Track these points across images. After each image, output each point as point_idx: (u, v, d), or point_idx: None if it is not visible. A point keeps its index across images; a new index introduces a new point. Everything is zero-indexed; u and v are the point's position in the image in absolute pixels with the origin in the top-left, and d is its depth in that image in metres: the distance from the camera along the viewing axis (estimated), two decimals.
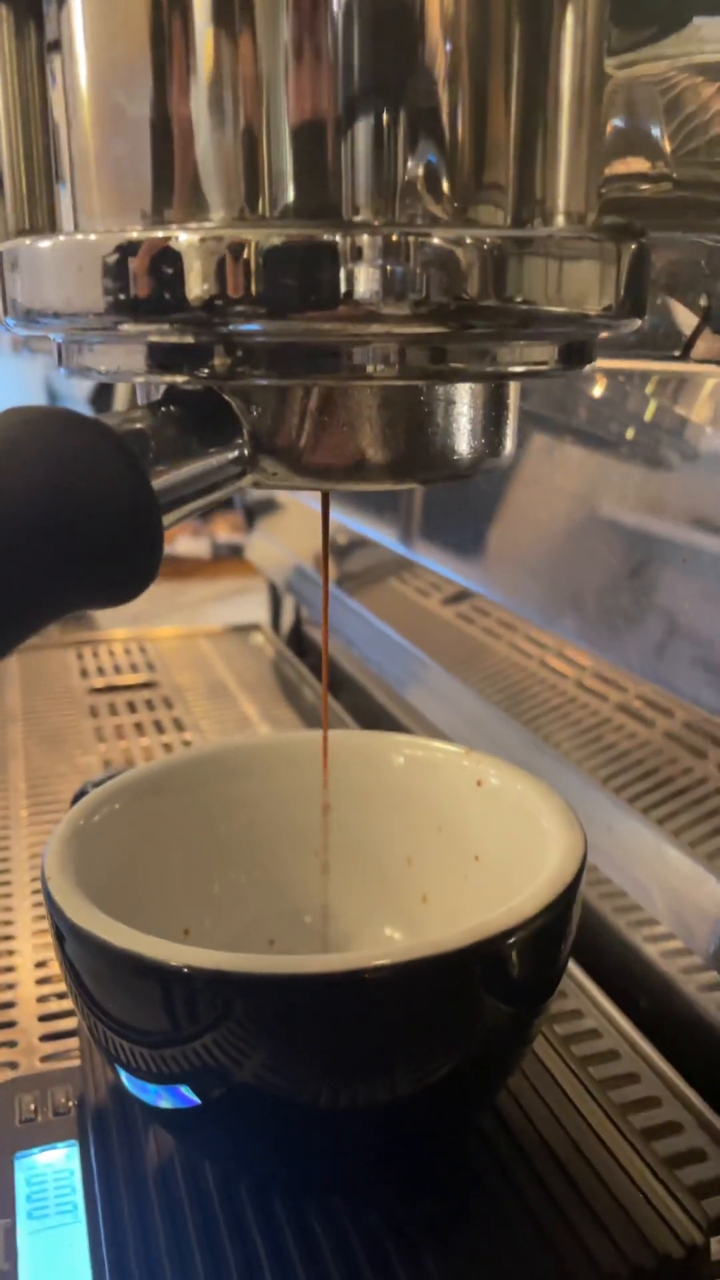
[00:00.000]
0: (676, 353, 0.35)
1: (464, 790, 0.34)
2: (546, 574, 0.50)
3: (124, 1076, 0.28)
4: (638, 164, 0.25)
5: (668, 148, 0.25)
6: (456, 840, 0.34)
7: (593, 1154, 0.30)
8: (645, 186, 0.25)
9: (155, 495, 0.20)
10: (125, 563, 0.20)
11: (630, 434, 0.42)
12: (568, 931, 0.27)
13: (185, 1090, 0.27)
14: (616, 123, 0.24)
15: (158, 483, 0.21)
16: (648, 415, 0.40)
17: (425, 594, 0.70)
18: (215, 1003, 0.24)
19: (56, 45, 0.24)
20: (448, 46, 0.21)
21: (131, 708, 0.72)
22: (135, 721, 0.70)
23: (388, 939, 0.35)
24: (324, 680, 0.33)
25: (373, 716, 0.74)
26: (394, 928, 0.35)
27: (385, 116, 0.21)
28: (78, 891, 0.27)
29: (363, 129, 0.21)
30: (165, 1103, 0.28)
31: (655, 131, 0.24)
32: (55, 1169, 0.32)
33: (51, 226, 0.25)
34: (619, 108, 0.24)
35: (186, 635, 0.86)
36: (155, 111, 0.21)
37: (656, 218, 0.25)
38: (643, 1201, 0.28)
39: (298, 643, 0.86)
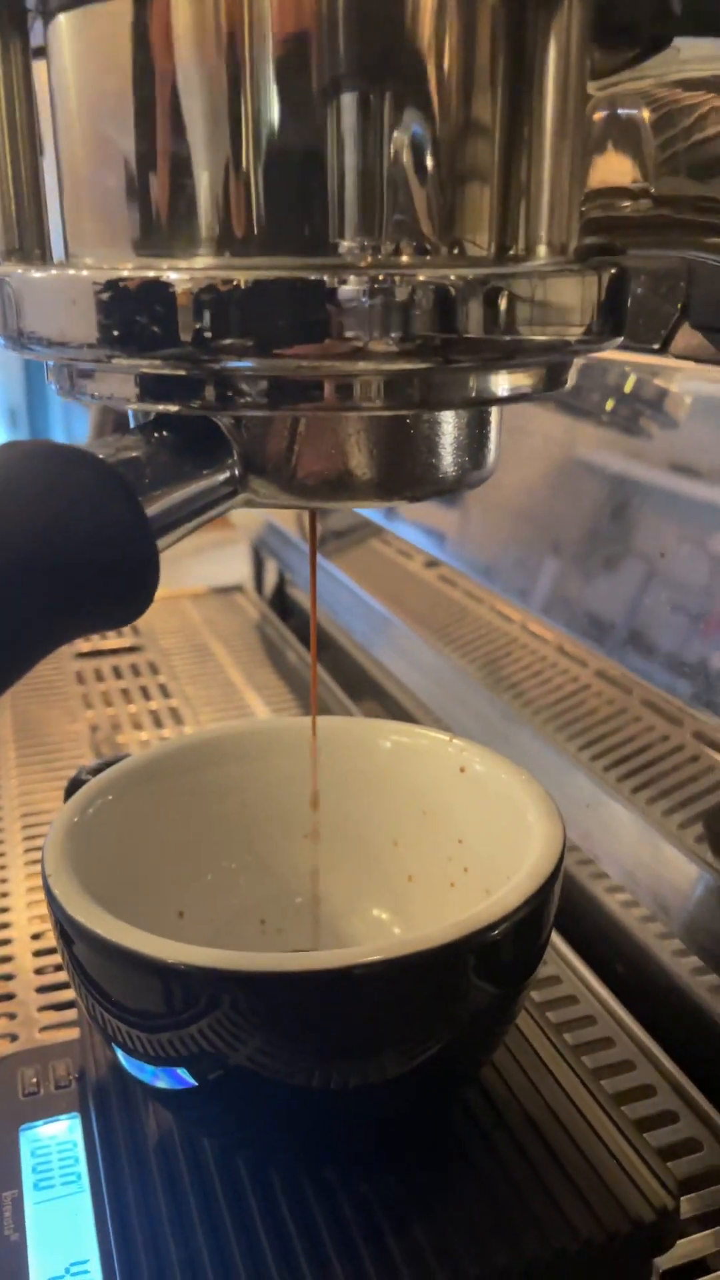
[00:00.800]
0: (656, 346, 0.36)
1: (448, 776, 0.35)
2: (520, 553, 0.51)
3: (122, 1057, 0.30)
4: (619, 183, 0.25)
5: (649, 166, 0.25)
6: (440, 824, 0.36)
7: (569, 1120, 0.32)
8: (626, 204, 0.25)
9: (154, 534, 0.21)
10: (123, 596, 0.21)
11: (608, 419, 0.42)
12: (548, 918, 0.29)
13: (182, 1072, 0.28)
14: (598, 141, 0.25)
15: (153, 509, 0.22)
16: (624, 406, 0.41)
17: (407, 556, 0.71)
18: (211, 998, 0.25)
19: (41, 53, 0.24)
20: (432, 82, 0.21)
21: (117, 673, 0.73)
22: (122, 687, 0.71)
23: (375, 919, 0.37)
24: (313, 682, 0.33)
25: (353, 679, 0.75)
26: (381, 908, 0.37)
27: (370, 152, 0.21)
28: (78, 887, 0.28)
29: (349, 165, 0.21)
30: (162, 1083, 0.29)
31: (637, 149, 0.25)
32: (59, 1141, 0.33)
33: (40, 247, 0.25)
34: (600, 127, 0.24)
35: (171, 597, 0.86)
36: (144, 146, 0.21)
37: (637, 236, 0.25)
38: (616, 1168, 0.30)
39: (281, 604, 0.87)
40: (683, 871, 0.41)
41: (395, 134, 0.21)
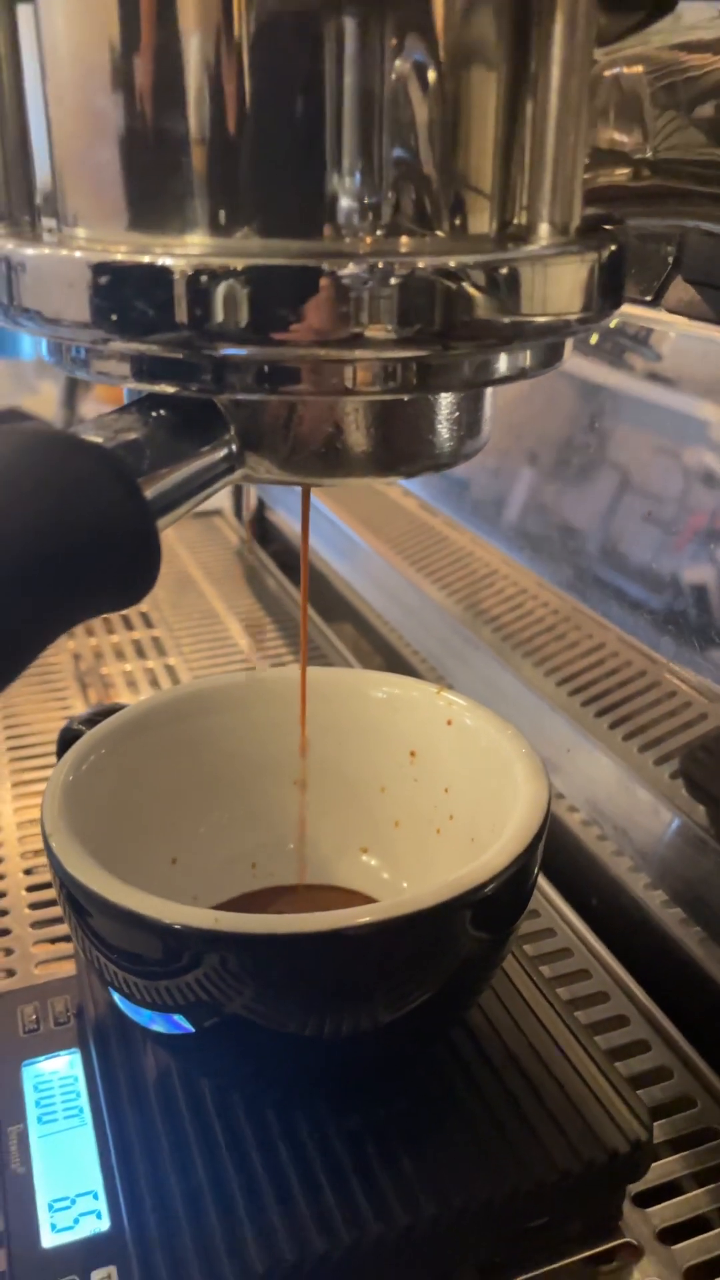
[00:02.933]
0: (648, 298, 0.35)
1: (436, 727, 0.36)
2: (495, 484, 0.51)
3: (120, 1002, 0.31)
4: (619, 150, 0.25)
5: (648, 133, 0.25)
6: (428, 773, 0.37)
7: (548, 1056, 0.33)
8: (625, 172, 0.25)
9: (154, 519, 0.21)
10: (125, 581, 0.21)
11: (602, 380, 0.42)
12: (533, 873, 0.30)
13: (178, 1018, 0.29)
14: (598, 108, 0.24)
15: (153, 490, 0.22)
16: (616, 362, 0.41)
17: (366, 485, 0.70)
18: (207, 957, 0.26)
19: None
20: (435, 53, 0.21)
21: None
22: (103, 616, 0.71)
23: (364, 864, 0.38)
24: (303, 649, 0.34)
25: (330, 606, 0.76)
26: (369, 853, 0.38)
27: (369, 127, 0.21)
28: (77, 844, 0.29)
29: (347, 141, 0.21)
30: (159, 1027, 0.31)
31: (636, 116, 0.24)
32: (60, 1076, 0.35)
33: (29, 214, 0.25)
34: (602, 96, 0.24)
35: None
36: (138, 120, 0.21)
37: (635, 205, 0.25)
38: (594, 1101, 0.31)
39: (260, 528, 0.86)
40: (653, 810, 0.43)
41: (395, 107, 0.21)
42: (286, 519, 0.84)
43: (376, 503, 0.70)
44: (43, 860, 0.48)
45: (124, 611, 0.71)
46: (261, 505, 0.86)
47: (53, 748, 0.56)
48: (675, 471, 0.40)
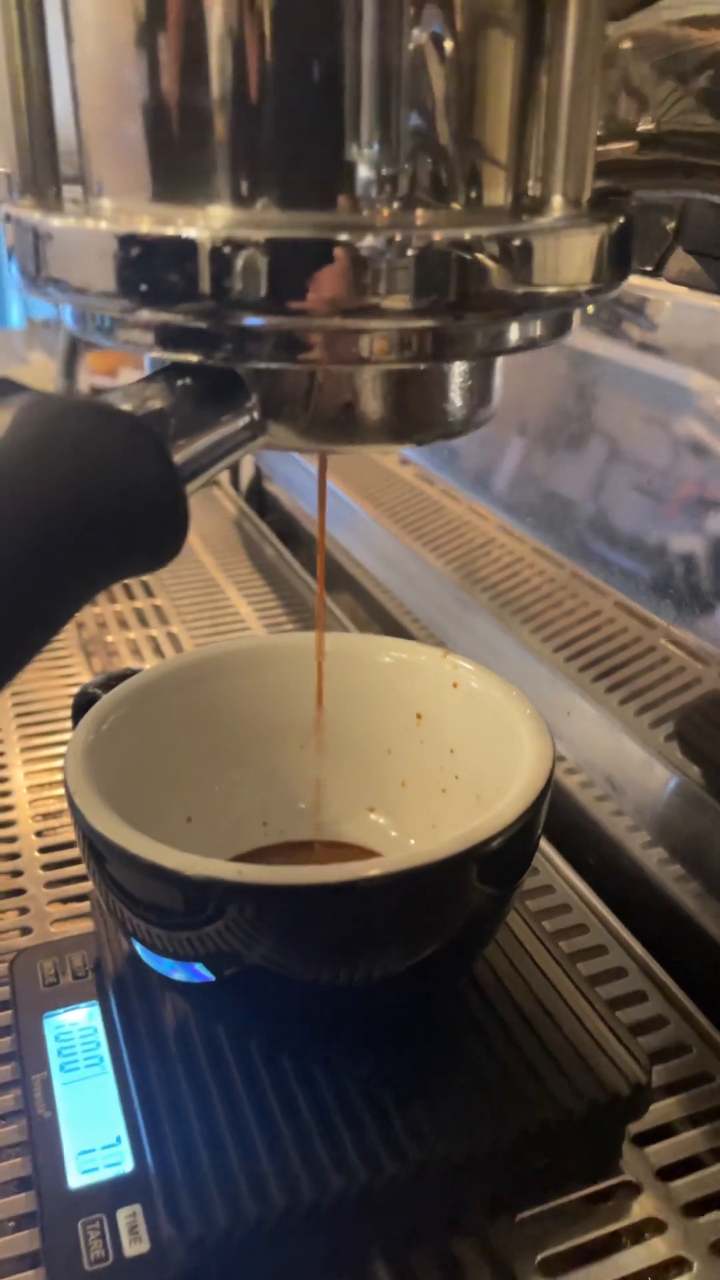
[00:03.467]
0: (649, 268, 0.36)
1: (442, 690, 0.37)
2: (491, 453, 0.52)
3: (141, 952, 0.32)
4: (627, 124, 0.25)
5: (656, 107, 0.25)
6: (433, 735, 0.38)
7: (550, 1003, 0.35)
8: (633, 145, 0.26)
9: (184, 486, 0.22)
10: (154, 546, 0.22)
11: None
12: (538, 827, 0.31)
13: (199, 967, 0.31)
14: (609, 85, 0.25)
15: (180, 458, 0.23)
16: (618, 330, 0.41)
17: (382, 452, 0.71)
18: (228, 907, 0.27)
19: None
20: (451, 33, 0.21)
21: None
22: None
23: (373, 822, 0.39)
24: (319, 614, 0.35)
25: (332, 577, 0.77)
26: (377, 812, 0.39)
27: (389, 105, 0.21)
28: (100, 801, 0.30)
29: (367, 119, 0.21)
30: (180, 976, 0.32)
31: (645, 90, 0.25)
32: (80, 1027, 0.36)
33: (54, 184, 0.25)
34: (612, 70, 0.25)
35: None
36: (162, 91, 0.22)
37: (643, 178, 0.26)
38: (594, 1046, 0.33)
39: (258, 499, 0.87)
40: (651, 770, 0.44)
41: (413, 79, 0.21)
42: (284, 490, 0.85)
43: (374, 471, 0.71)
44: (54, 823, 0.49)
45: (125, 581, 0.72)
46: (259, 476, 0.87)
47: (60, 714, 0.57)
48: (664, 443, 0.41)
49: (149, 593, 0.70)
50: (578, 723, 0.47)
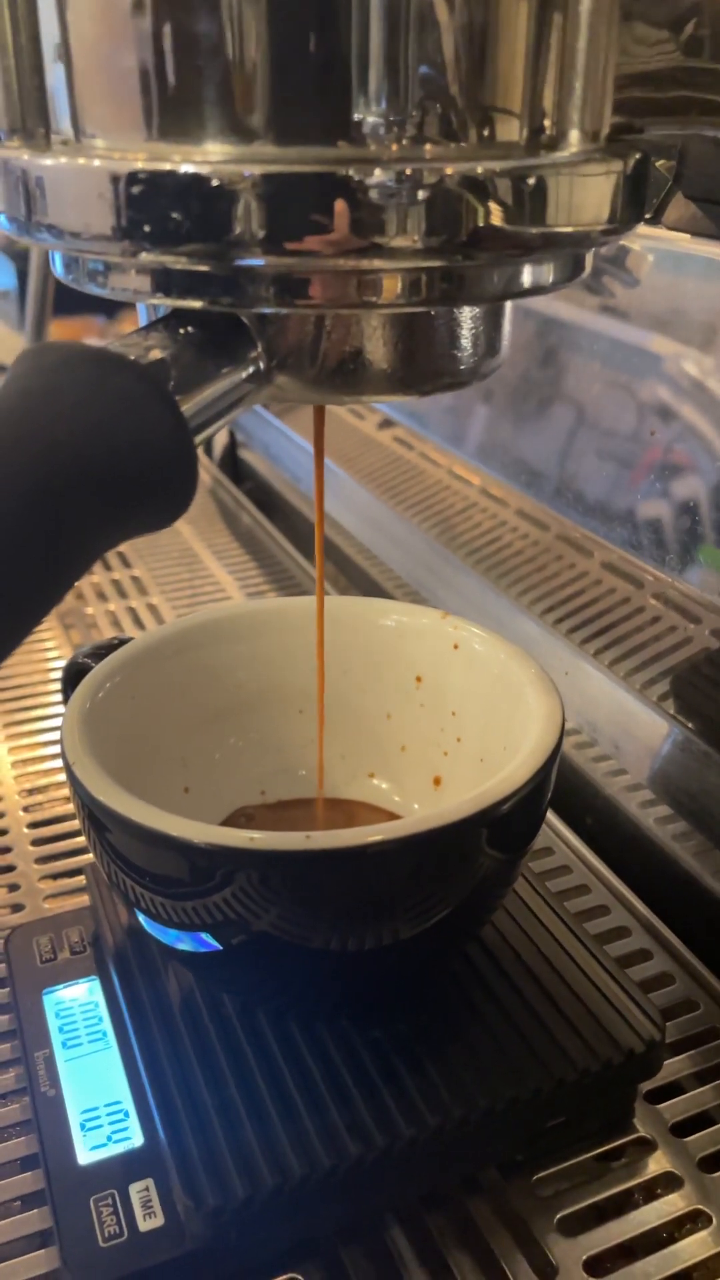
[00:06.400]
0: (648, 215, 0.35)
1: (443, 652, 0.36)
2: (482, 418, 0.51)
3: (145, 922, 0.31)
4: (644, 58, 0.24)
5: (675, 40, 0.24)
6: (434, 697, 0.37)
7: (560, 964, 0.34)
8: (650, 81, 0.25)
9: (191, 436, 0.21)
10: (165, 499, 0.21)
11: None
12: (549, 788, 0.31)
13: (205, 936, 0.30)
14: (624, 14, 0.24)
15: (186, 409, 0.22)
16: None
17: (360, 416, 0.70)
18: (235, 875, 0.27)
19: None
20: None
21: None
22: None
23: (375, 787, 0.38)
24: (319, 574, 0.34)
25: (306, 539, 0.76)
26: (378, 777, 0.38)
27: (398, 37, 0.20)
28: (100, 770, 0.29)
29: (374, 41, 0.20)
30: (185, 945, 0.31)
31: (662, 22, 0.24)
32: (81, 1002, 0.35)
33: (44, 125, 0.24)
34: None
35: None
36: (159, 23, 0.20)
37: (658, 114, 0.25)
38: (607, 1005, 0.32)
39: (232, 466, 0.86)
40: (652, 726, 0.44)
41: (421, 9, 0.20)
42: (260, 456, 0.83)
43: (354, 437, 0.70)
44: (41, 798, 0.48)
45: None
46: (234, 444, 0.85)
47: (40, 689, 0.56)
48: (630, 407, 0.40)
49: (126, 564, 0.69)
50: (577, 682, 0.47)
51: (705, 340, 0.37)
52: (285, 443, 0.80)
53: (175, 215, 0.21)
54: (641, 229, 0.37)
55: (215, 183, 0.20)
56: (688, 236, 0.34)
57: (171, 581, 0.67)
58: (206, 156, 0.21)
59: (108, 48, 0.22)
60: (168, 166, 0.21)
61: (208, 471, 0.84)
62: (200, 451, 0.78)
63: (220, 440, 0.85)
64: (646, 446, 0.41)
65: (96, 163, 0.21)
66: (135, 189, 0.21)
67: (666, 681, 0.43)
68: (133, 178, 0.21)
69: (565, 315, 0.46)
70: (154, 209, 0.21)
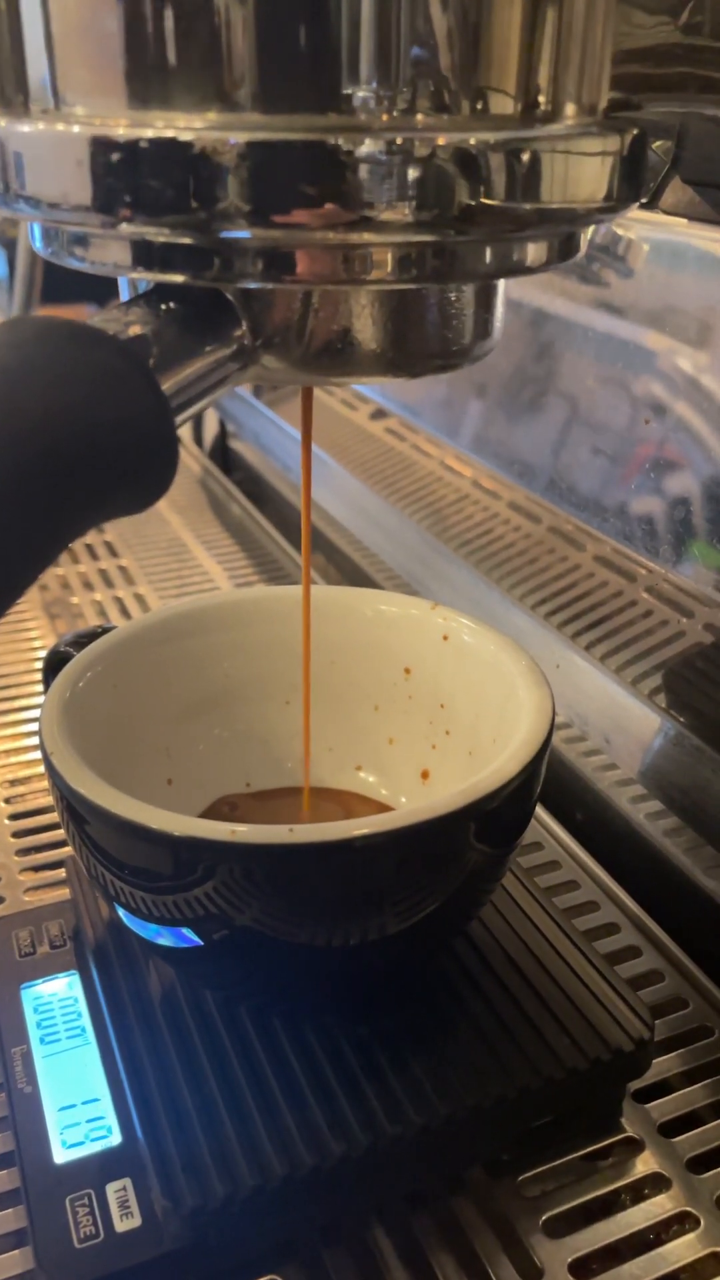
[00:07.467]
0: (644, 199, 0.35)
1: (431, 643, 0.36)
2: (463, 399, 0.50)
3: (125, 917, 0.31)
4: (644, 33, 0.24)
5: (675, 16, 0.24)
6: (423, 689, 0.36)
7: (549, 961, 0.34)
8: (649, 57, 0.24)
9: (173, 416, 0.20)
10: (144, 481, 0.21)
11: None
12: (539, 782, 0.30)
13: (186, 931, 0.29)
14: None
15: (167, 387, 0.21)
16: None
17: (351, 406, 0.70)
18: (216, 868, 0.26)
19: None
20: None
21: None
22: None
23: (362, 779, 0.38)
24: (305, 563, 0.33)
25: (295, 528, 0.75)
26: (366, 770, 0.38)
27: (389, 1, 0.20)
28: (78, 760, 0.29)
29: (365, 16, 0.20)
30: (166, 941, 0.30)
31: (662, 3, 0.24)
32: (60, 997, 0.35)
33: (22, 91, 0.23)
34: None
35: None
36: None
37: (657, 91, 0.24)
38: (596, 1003, 0.32)
39: (223, 457, 0.85)
40: (644, 720, 0.43)
41: None
42: (251, 446, 0.83)
43: (346, 427, 0.69)
44: (22, 789, 0.47)
45: (87, 540, 0.70)
46: (225, 434, 0.85)
47: (23, 679, 0.55)
48: (624, 399, 0.40)
49: (113, 553, 0.68)
50: (569, 675, 0.46)
51: (701, 332, 0.37)
52: (276, 433, 0.79)
53: (156, 184, 0.20)
54: (638, 213, 0.36)
55: (198, 149, 0.19)
56: (684, 221, 0.34)
57: (159, 571, 0.66)
58: (192, 122, 0.20)
59: (88, 10, 0.21)
60: (149, 133, 0.20)
61: (198, 461, 0.83)
62: (190, 441, 0.77)
63: (210, 430, 0.84)
64: (640, 439, 0.41)
65: (75, 129, 0.20)
66: (115, 156, 0.20)
67: (659, 676, 0.43)
68: (112, 144, 0.20)
69: (559, 305, 0.45)
70: (134, 177, 0.20)
